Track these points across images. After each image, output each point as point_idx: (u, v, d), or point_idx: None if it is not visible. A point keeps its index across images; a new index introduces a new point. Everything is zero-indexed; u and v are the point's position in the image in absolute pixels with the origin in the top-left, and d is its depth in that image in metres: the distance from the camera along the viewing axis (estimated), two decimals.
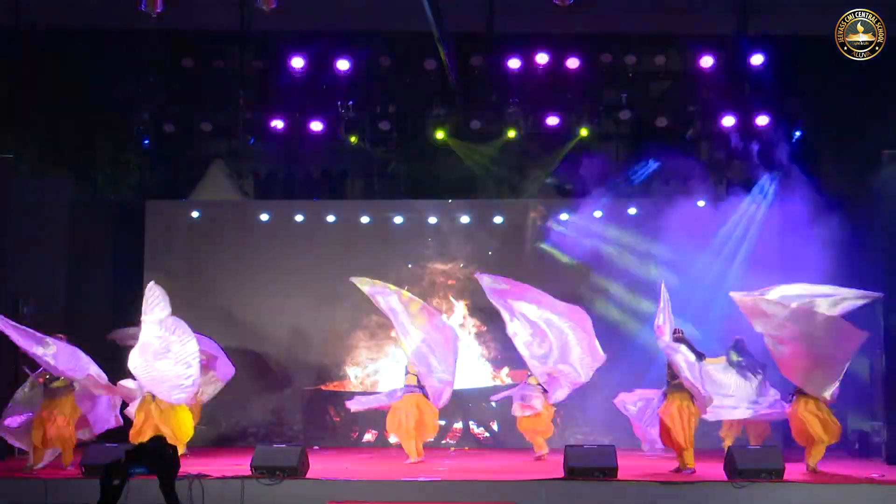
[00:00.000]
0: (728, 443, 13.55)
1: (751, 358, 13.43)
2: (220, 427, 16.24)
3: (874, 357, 14.28)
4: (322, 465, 12.40)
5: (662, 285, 12.53)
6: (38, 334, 12.44)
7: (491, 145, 16.28)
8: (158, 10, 12.29)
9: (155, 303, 12.66)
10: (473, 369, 16.69)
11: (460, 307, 16.71)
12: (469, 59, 15.00)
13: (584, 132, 16.03)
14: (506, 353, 15.75)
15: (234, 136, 16.36)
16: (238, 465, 12.08)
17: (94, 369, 12.68)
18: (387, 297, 13.78)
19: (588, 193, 16.14)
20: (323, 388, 16.43)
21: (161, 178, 16.90)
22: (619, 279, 16.08)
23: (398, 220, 17.02)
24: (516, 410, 14.09)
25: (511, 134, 16.04)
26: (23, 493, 11.36)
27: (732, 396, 13.21)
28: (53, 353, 12.36)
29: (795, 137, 15.39)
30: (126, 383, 12.87)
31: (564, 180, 16.54)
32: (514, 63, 15.11)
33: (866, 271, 14.05)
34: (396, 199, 17.15)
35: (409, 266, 16.78)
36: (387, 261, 16.66)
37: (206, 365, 13.71)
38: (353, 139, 16.15)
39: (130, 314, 14.30)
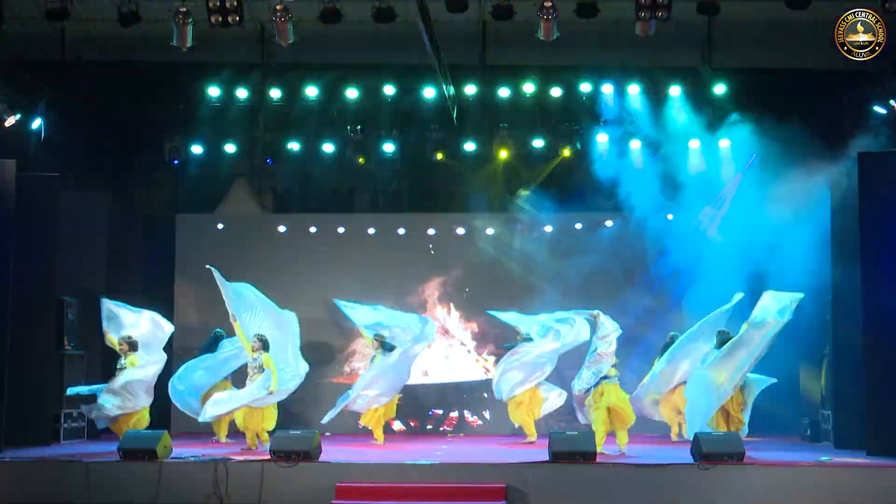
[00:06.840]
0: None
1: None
2: None
3: (823, 351, 14.34)
4: (333, 450, 12.46)
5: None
6: None
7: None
8: (188, 45, 12.43)
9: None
10: (467, 364, 16.76)
11: (455, 307, 16.79)
12: (464, 88, 15.12)
13: (566, 152, 16.13)
14: (499, 351, 15.80)
15: (255, 157, 16.50)
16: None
17: None
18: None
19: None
20: (334, 381, 16.48)
21: (190, 194, 17.01)
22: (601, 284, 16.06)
23: (401, 231, 17.14)
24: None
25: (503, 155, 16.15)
26: (64, 477, 11.29)
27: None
28: None
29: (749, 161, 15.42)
30: None
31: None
32: (504, 92, 15.25)
33: (819, 284, 14.02)
34: (399, 213, 17.27)
35: (411, 271, 16.87)
36: (390, 267, 16.76)
37: None
38: (360, 160, 16.33)
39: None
